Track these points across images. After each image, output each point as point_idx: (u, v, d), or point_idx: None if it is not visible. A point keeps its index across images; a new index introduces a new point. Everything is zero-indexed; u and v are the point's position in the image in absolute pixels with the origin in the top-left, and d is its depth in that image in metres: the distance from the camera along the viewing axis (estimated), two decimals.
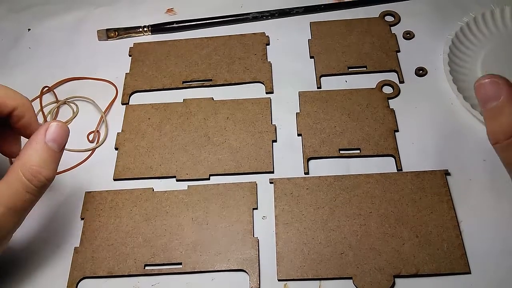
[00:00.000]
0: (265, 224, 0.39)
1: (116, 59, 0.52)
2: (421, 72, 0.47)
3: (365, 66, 0.48)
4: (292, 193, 0.40)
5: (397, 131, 0.43)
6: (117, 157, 0.44)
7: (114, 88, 0.49)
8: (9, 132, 0.36)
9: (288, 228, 0.38)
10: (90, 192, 0.42)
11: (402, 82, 0.47)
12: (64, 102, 0.49)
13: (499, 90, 0.28)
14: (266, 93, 0.48)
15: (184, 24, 0.54)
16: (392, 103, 0.45)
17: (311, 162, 0.43)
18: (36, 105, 0.48)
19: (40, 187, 0.30)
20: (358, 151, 0.42)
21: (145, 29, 0.54)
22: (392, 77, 0.47)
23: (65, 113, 0.48)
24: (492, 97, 0.28)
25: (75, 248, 0.39)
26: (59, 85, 0.50)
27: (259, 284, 0.36)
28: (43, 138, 0.30)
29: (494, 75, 0.29)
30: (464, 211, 0.38)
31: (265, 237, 0.39)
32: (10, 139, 0.37)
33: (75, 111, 0.48)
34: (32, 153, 0.30)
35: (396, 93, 0.46)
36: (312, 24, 0.53)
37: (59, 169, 0.39)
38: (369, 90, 0.46)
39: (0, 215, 0.29)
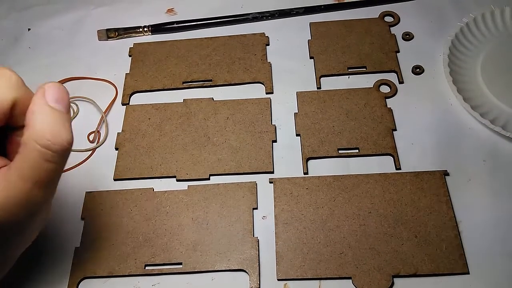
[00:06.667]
0: (265, 224, 0.40)
1: (116, 59, 0.52)
2: (417, 70, 0.47)
3: (364, 67, 0.48)
4: (291, 193, 0.40)
5: (395, 130, 0.43)
6: (117, 157, 0.44)
7: (114, 88, 0.50)
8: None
9: (288, 228, 0.39)
10: (91, 192, 0.42)
11: (401, 82, 0.47)
12: None
13: None
14: (266, 93, 0.48)
15: (184, 24, 0.54)
16: (390, 102, 0.46)
17: (311, 162, 0.43)
18: None
19: (62, 151, 0.26)
20: (357, 151, 0.42)
21: (145, 29, 0.54)
22: (392, 77, 0.47)
23: None
24: None
25: (76, 248, 0.39)
26: None
27: (259, 284, 0.36)
28: (45, 102, 0.26)
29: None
30: (463, 212, 0.39)
31: (265, 236, 0.39)
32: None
33: (75, 111, 0.48)
34: (40, 118, 0.25)
35: (393, 92, 0.46)
36: (312, 24, 0.53)
37: None
38: (366, 90, 0.46)
39: (27, 190, 0.25)
